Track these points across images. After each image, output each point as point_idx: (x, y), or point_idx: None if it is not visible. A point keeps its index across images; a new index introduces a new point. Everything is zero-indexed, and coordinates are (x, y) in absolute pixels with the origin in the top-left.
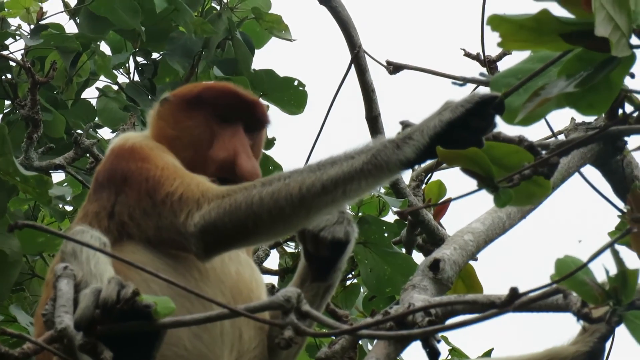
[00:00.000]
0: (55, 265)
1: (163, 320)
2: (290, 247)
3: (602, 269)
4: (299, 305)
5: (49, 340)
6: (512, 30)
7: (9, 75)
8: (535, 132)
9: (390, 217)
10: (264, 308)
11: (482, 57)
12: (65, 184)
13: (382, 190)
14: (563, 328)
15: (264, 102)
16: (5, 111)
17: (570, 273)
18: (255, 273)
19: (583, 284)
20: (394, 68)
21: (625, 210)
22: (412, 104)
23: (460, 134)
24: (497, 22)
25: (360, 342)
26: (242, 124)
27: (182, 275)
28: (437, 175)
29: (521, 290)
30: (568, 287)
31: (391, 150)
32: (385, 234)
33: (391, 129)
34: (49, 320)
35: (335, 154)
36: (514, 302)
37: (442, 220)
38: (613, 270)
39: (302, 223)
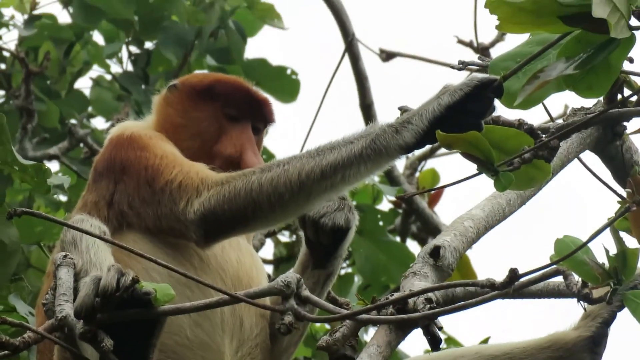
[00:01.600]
0: (55, 254)
1: (163, 307)
2: (285, 237)
3: (602, 250)
4: (299, 290)
5: (50, 329)
6: (511, 12)
7: (2, 66)
8: (533, 118)
9: (385, 206)
10: (264, 294)
11: (476, 44)
12: (60, 174)
13: (377, 179)
14: (563, 317)
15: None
16: None
17: (570, 253)
18: (255, 260)
19: (583, 264)
20: (386, 56)
21: (625, 196)
22: (405, 91)
23: (459, 117)
24: (496, 4)
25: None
26: (251, 121)
27: (181, 264)
28: (430, 163)
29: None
30: (568, 268)
31: (390, 135)
32: (380, 223)
33: (384, 117)
34: (50, 309)
35: (334, 139)
36: (514, 283)
37: (435, 209)
38: (613, 250)
39: (301, 209)
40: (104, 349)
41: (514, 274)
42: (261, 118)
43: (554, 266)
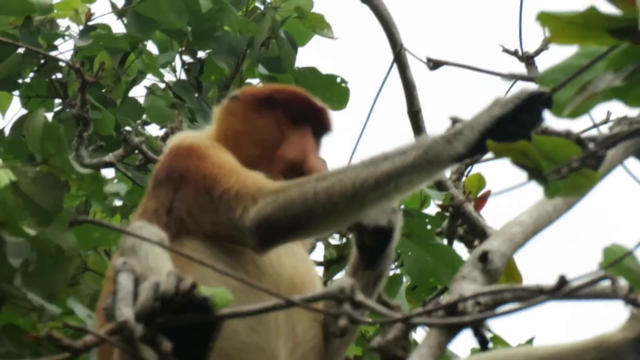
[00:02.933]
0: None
1: (220, 311)
2: (335, 240)
3: None
4: (353, 295)
5: (110, 332)
6: (561, 25)
7: (59, 75)
8: (577, 126)
9: (432, 210)
10: (319, 298)
11: (521, 53)
12: (115, 180)
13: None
14: (609, 319)
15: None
16: (56, 110)
17: (617, 260)
18: (309, 267)
19: (630, 271)
20: (433, 64)
21: None
22: (452, 99)
23: (509, 128)
24: (547, 18)
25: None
26: (311, 128)
27: (237, 270)
28: (476, 169)
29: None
30: (616, 274)
31: (442, 146)
32: (428, 226)
33: (432, 124)
34: (110, 313)
35: (386, 150)
36: (562, 288)
37: (482, 212)
38: None
39: (355, 216)
40: (163, 351)
41: (563, 281)
42: (320, 126)
43: (602, 272)
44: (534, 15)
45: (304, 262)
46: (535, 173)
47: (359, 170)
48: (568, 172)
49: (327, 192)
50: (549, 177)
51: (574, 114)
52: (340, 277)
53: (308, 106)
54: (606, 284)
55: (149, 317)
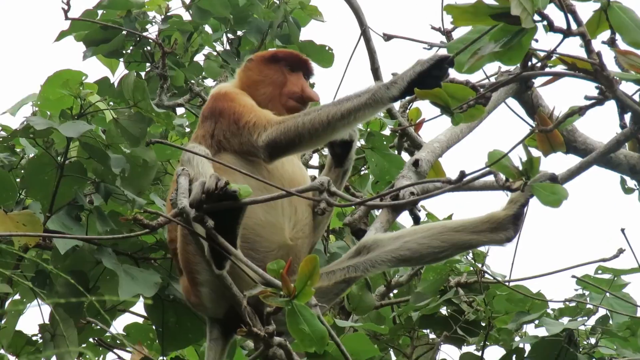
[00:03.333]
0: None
1: (245, 199)
2: (325, 152)
3: (517, 157)
4: (329, 187)
5: (174, 215)
6: (460, 12)
7: (148, 48)
8: (475, 78)
9: (387, 132)
10: (307, 189)
11: (442, 30)
12: (185, 115)
13: (382, 114)
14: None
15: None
16: (147, 70)
17: (497, 160)
18: (302, 171)
19: (506, 167)
20: (387, 37)
21: (534, 125)
22: (399, 60)
23: (427, 79)
24: (451, 8)
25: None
26: (302, 72)
27: (256, 174)
28: (416, 104)
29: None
30: (496, 169)
31: (384, 90)
32: (384, 142)
33: (386, 76)
34: (174, 202)
35: (349, 94)
36: (463, 179)
37: (420, 132)
38: (524, 158)
39: (330, 137)
40: (208, 226)
41: (462, 174)
42: (307, 70)
43: (488, 168)
44: (444, 7)
45: (298, 168)
46: (445, 109)
47: (330, 107)
48: (467, 108)
49: (311, 123)
50: (454, 111)
51: (470, 70)
52: (320, 175)
53: (299, 59)
54: (491, 177)
55: (198, 204)
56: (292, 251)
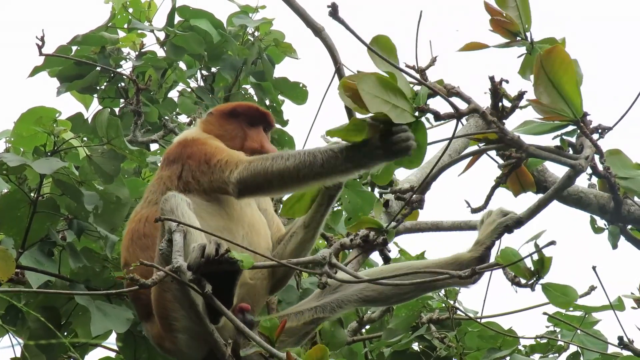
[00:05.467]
0: (155, 217)
1: (241, 266)
2: None
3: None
4: (330, 259)
5: (170, 270)
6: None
7: (122, 84)
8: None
9: None
10: (308, 262)
11: (416, 68)
12: (159, 151)
13: None
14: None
15: (281, 98)
16: (120, 106)
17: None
18: (261, 217)
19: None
20: None
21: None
22: None
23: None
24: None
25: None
26: (262, 126)
27: (220, 215)
28: None
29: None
30: (510, 269)
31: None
32: (358, 179)
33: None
34: (166, 257)
35: (312, 149)
36: (474, 276)
37: None
38: (535, 256)
39: (295, 189)
40: (206, 291)
41: (473, 270)
42: (267, 124)
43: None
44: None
45: (257, 211)
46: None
47: (297, 158)
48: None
49: (279, 171)
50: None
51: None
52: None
53: (258, 113)
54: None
55: (197, 268)
56: (252, 290)
